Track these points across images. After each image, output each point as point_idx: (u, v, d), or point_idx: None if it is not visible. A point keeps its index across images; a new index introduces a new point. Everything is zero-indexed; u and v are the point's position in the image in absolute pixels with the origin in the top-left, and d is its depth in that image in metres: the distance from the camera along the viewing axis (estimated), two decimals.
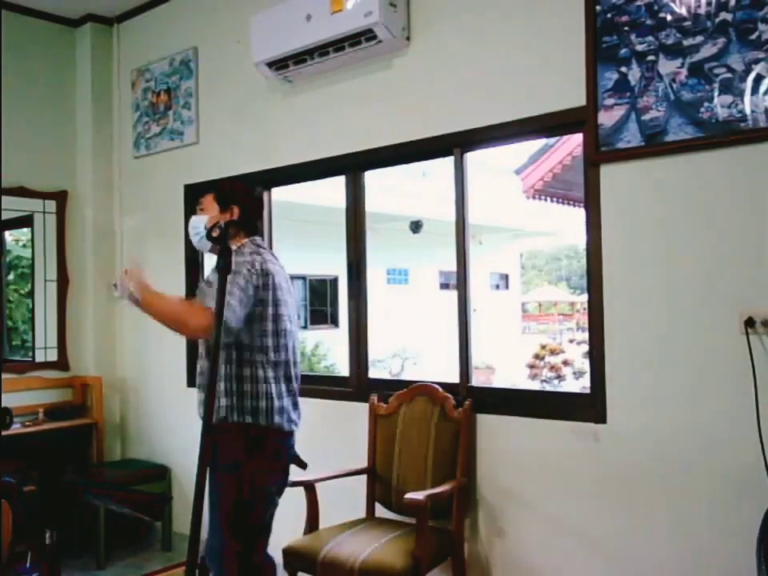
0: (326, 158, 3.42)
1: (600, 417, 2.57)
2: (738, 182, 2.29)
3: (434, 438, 2.91)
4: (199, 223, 2.52)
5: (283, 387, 2.44)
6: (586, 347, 5.14)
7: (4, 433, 3.74)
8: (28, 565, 3.18)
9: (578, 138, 2.78)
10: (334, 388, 3.47)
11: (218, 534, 2.39)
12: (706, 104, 2.32)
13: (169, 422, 4.21)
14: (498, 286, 16.28)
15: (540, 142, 6.68)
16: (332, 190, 4.85)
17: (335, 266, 9.36)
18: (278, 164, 3.65)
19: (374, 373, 3.97)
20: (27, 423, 4.03)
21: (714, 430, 2.33)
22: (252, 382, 2.38)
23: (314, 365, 10.75)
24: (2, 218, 4.10)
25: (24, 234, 4.58)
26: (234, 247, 2.36)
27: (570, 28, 2.62)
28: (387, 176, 6.91)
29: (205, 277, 2.87)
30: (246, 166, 3.78)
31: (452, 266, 3.11)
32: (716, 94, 2.29)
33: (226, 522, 2.38)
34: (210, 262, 3.29)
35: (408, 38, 3.10)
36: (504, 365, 10.65)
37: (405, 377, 9.79)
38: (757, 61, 2.22)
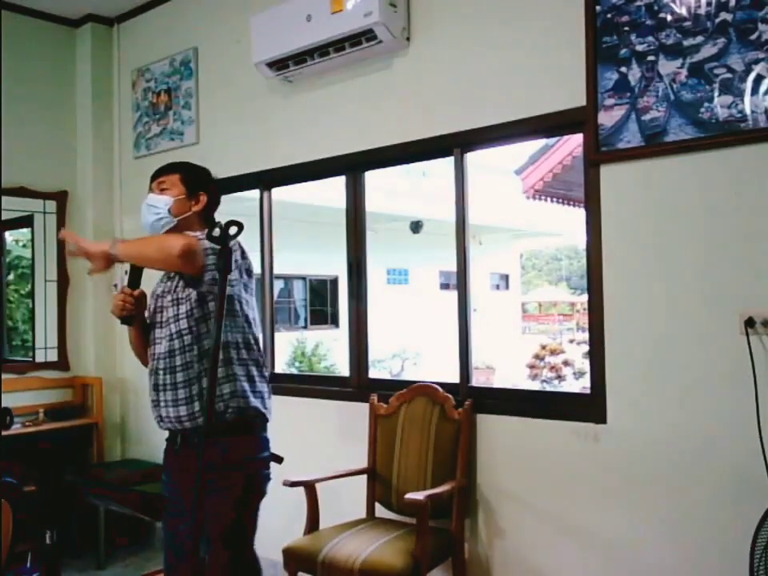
0: (326, 158, 3.42)
1: (600, 417, 2.57)
2: (738, 182, 2.29)
3: (434, 439, 2.91)
4: (159, 202, 2.30)
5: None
6: (586, 347, 5.15)
7: (4, 433, 3.74)
8: (28, 565, 3.18)
9: (577, 139, 2.78)
10: (334, 388, 3.47)
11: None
12: (706, 104, 2.32)
13: None
14: (498, 286, 16.28)
15: (540, 142, 6.68)
16: (332, 188, 4.84)
17: (335, 266, 9.37)
18: (278, 164, 3.65)
19: (374, 373, 3.98)
20: (27, 423, 4.03)
21: (714, 430, 2.33)
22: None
23: (314, 365, 10.76)
24: (2, 218, 4.11)
25: (24, 234, 4.58)
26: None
27: (570, 28, 2.61)
28: (387, 176, 6.91)
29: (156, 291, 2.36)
30: (246, 166, 3.78)
31: (452, 266, 3.11)
32: (716, 94, 2.29)
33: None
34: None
35: (408, 39, 3.10)
36: (504, 365, 10.64)
37: (405, 377, 9.80)
38: (757, 61, 2.22)
